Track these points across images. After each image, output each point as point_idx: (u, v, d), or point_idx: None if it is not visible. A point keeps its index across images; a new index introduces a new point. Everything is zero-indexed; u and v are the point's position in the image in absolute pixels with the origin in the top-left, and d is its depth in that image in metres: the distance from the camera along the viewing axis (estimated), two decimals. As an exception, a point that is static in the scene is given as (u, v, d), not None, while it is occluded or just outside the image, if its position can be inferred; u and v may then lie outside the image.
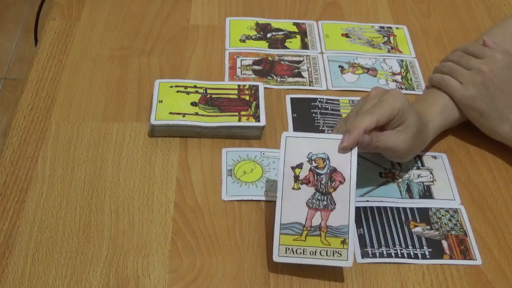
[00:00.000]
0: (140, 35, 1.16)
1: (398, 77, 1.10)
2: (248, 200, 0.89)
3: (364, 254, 0.84)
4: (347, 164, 0.81)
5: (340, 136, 0.82)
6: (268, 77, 1.08)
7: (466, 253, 0.85)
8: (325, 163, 0.81)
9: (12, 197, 0.88)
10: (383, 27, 1.21)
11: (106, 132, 0.98)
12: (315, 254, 0.79)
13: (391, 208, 0.90)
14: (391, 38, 1.18)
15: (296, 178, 0.81)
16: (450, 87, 0.96)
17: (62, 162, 0.93)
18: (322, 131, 0.99)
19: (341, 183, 0.81)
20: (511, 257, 0.85)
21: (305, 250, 0.79)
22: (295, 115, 1.02)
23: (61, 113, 1.00)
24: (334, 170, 0.81)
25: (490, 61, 0.94)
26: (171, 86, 1.02)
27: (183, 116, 0.97)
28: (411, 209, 0.90)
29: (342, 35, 1.18)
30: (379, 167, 0.94)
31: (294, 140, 0.82)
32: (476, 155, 0.97)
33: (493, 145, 0.97)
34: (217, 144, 0.97)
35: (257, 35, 1.17)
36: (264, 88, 1.04)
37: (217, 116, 0.97)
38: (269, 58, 1.12)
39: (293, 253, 0.79)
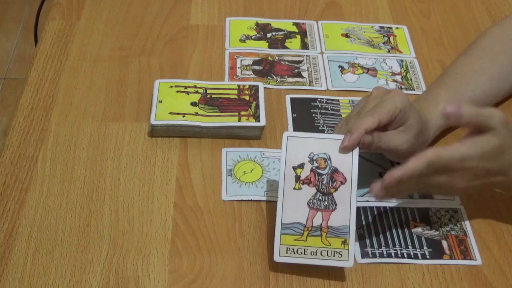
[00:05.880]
0: (140, 35, 1.16)
1: (398, 77, 1.10)
2: (248, 200, 0.89)
3: (364, 254, 0.84)
4: (348, 165, 0.81)
5: (341, 136, 0.82)
6: (268, 77, 1.08)
7: (466, 253, 0.85)
8: (326, 163, 0.81)
9: (12, 197, 0.88)
10: (383, 27, 1.21)
11: (106, 132, 0.98)
12: (316, 254, 0.79)
13: (391, 208, 0.90)
14: (391, 38, 1.18)
15: (297, 178, 0.81)
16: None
17: (62, 162, 0.93)
18: (322, 131, 0.99)
19: (342, 183, 0.81)
20: (511, 257, 0.85)
21: (306, 250, 0.79)
22: (295, 115, 1.02)
23: (61, 113, 1.00)
24: (335, 171, 0.81)
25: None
26: (171, 86, 1.02)
27: (183, 116, 0.97)
28: (411, 209, 0.90)
29: (342, 35, 1.18)
30: (379, 167, 0.94)
31: (296, 140, 0.82)
32: (476, 155, 0.97)
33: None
34: (217, 144, 0.97)
35: (257, 35, 1.17)
36: (264, 88, 1.04)
37: (217, 116, 0.97)
38: (269, 58, 1.12)
39: (294, 253, 0.79)
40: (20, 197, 0.88)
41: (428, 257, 0.84)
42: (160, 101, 0.99)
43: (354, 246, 0.79)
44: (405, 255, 0.84)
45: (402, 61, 1.13)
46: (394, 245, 0.85)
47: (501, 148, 0.80)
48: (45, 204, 0.87)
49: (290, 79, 1.08)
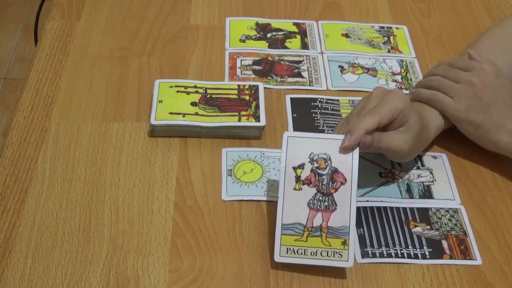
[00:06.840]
0: (140, 35, 1.16)
1: (398, 77, 1.10)
2: (248, 200, 0.89)
3: (364, 254, 0.84)
4: (349, 165, 0.81)
5: (341, 137, 0.82)
6: (268, 77, 1.08)
7: (466, 253, 0.85)
8: (326, 164, 0.81)
9: (12, 197, 0.88)
10: (383, 27, 1.21)
11: (106, 132, 0.98)
12: (316, 255, 0.79)
13: (391, 208, 0.90)
14: (391, 38, 1.18)
15: (298, 178, 0.81)
16: (441, 103, 0.93)
17: (62, 162, 0.93)
18: (322, 131, 0.99)
19: (342, 184, 0.81)
20: (511, 257, 0.85)
21: (306, 250, 0.79)
22: (295, 115, 1.02)
23: (61, 113, 1.00)
24: (335, 171, 0.81)
25: (478, 73, 0.93)
26: (171, 86, 1.02)
27: (183, 116, 0.97)
28: (411, 209, 0.90)
29: (342, 35, 1.18)
30: (379, 167, 0.94)
31: (296, 140, 0.82)
32: (476, 155, 0.97)
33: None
34: (217, 144, 0.97)
35: (257, 35, 1.17)
36: (264, 88, 1.04)
37: (217, 116, 0.97)
38: (269, 58, 1.12)
39: (294, 253, 0.79)
40: (20, 197, 0.88)
41: (428, 257, 0.84)
42: (160, 101, 0.99)
43: (354, 247, 0.79)
44: (405, 255, 0.84)
45: (402, 61, 1.13)
46: (394, 245, 0.85)
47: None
48: (45, 204, 0.87)
49: (290, 79, 1.08)
